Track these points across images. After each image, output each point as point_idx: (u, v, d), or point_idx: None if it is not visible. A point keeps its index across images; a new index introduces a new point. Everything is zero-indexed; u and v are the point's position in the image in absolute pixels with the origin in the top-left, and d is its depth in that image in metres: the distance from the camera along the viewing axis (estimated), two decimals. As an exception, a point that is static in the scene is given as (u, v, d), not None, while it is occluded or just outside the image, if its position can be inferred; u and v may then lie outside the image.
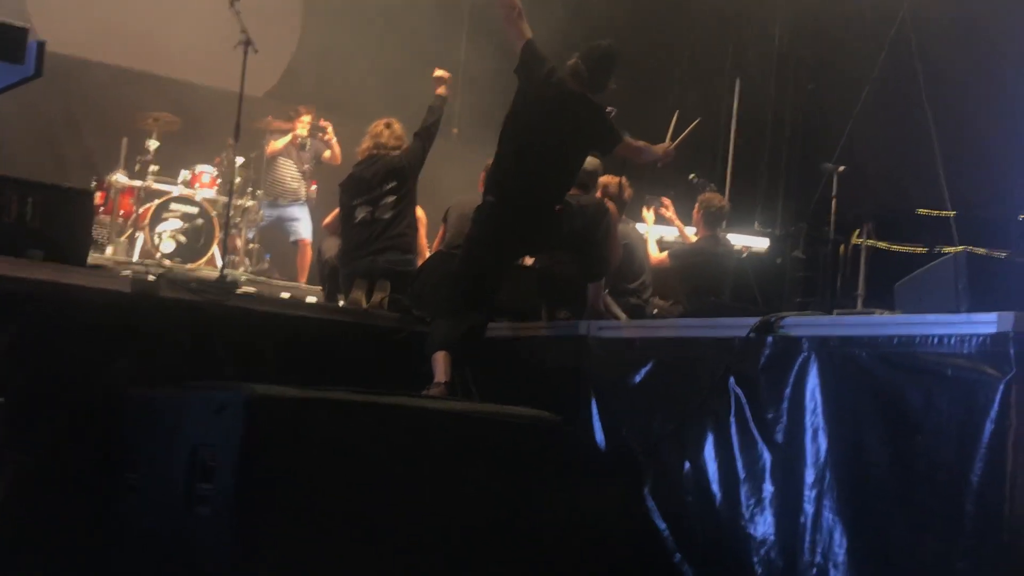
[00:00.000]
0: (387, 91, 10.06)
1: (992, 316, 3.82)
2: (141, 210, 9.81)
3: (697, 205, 8.96)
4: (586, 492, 4.90)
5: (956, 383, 3.87)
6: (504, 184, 5.80)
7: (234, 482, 4.17)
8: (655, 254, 8.83)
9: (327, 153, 10.83)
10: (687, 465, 4.64)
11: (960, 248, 8.77)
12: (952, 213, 9.76)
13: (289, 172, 10.80)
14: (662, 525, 4.67)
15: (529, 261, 6.82)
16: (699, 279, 8.52)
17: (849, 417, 4.19)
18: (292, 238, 10.78)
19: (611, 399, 5.15)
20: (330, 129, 10.77)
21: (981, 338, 3.83)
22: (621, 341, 5.35)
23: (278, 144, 10.65)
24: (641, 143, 6.16)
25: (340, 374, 5.19)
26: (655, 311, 8.03)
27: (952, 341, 3.92)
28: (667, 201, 9.51)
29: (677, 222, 9.54)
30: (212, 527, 4.20)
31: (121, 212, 9.89)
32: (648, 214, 9.03)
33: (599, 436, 5.11)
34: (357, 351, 5.94)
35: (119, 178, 9.87)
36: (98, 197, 9.44)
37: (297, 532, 4.23)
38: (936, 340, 3.97)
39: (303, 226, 10.74)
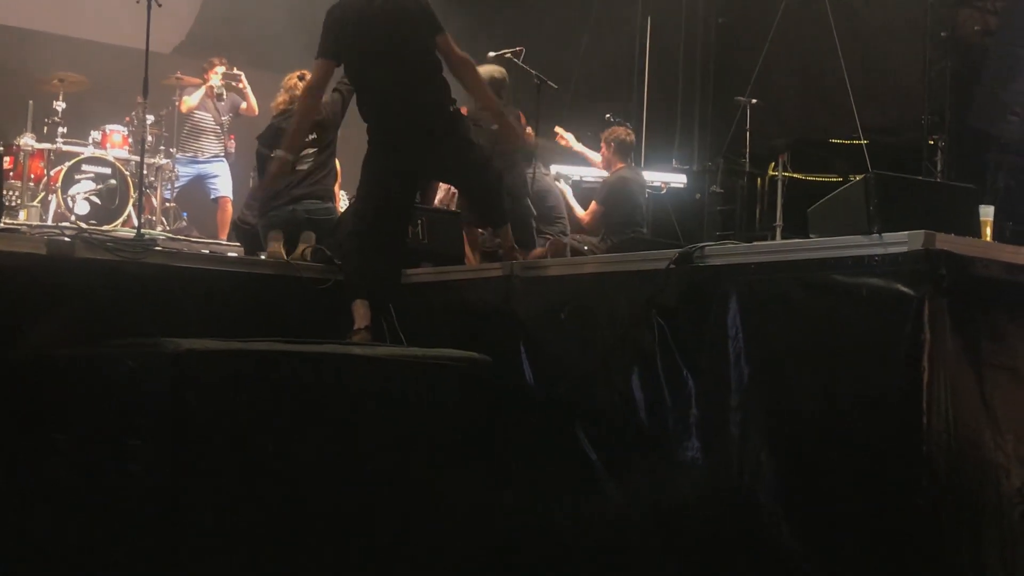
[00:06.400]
0: (298, 42, 9.90)
1: (903, 235, 3.88)
2: (52, 173, 9.63)
3: (604, 142, 8.99)
4: (518, 428, 4.95)
5: (872, 303, 3.93)
6: (365, 104, 5.72)
7: (163, 436, 4.14)
8: (582, 211, 8.86)
9: (243, 105, 10.69)
10: (615, 396, 4.69)
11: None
12: (864, 142, 9.89)
13: (207, 126, 10.65)
14: (593, 456, 4.74)
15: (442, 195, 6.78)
16: (626, 206, 8.58)
17: (770, 342, 4.25)
18: (212, 195, 10.67)
19: (538, 336, 5.17)
20: (243, 78, 10.62)
21: (893, 257, 3.89)
22: (545, 279, 5.37)
23: (192, 100, 10.49)
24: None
25: (265, 327, 5.15)
26: (586, 248, 8.09)
27: (866, 262, 3.99)
28: (559, 131, 9.49)
29: (577, 147, 9.51)
30: (142, 483, 4.18)
31: (32, 176, 9.72)
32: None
33: (528, 373, 5.14)
34: (281, 303, 5.89)
35: (27, 141, 9.69)
36: (7, 162, 9.27)
37: (227, 485, 4.22)
38: (850, 262, 4.04)
39: (223, 183, 10.63)
